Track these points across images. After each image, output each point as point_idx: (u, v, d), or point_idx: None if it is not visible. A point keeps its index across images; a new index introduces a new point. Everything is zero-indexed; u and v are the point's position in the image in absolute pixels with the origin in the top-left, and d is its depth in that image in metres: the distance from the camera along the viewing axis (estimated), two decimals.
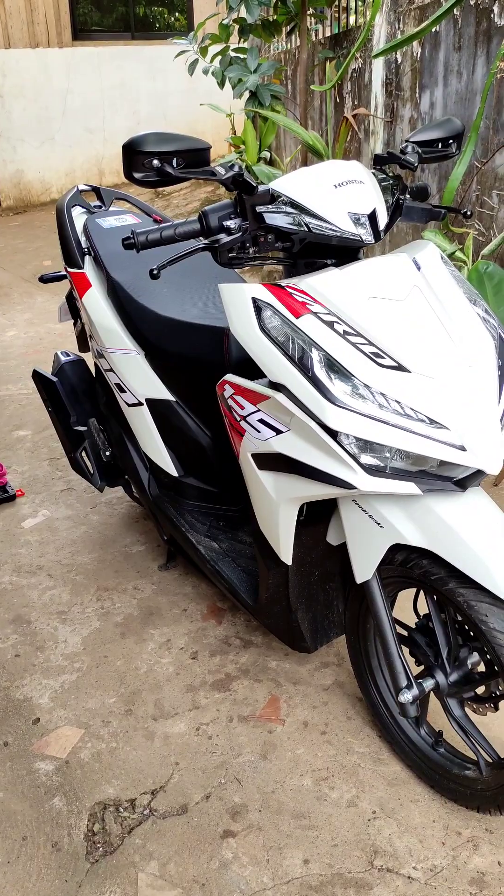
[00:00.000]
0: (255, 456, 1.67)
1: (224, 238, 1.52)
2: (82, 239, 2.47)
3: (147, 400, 2.24)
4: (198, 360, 2.06)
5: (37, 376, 2.64)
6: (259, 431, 1.62)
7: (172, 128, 10.22)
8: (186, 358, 2.09)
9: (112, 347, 2.26)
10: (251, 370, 1.84)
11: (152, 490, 2.33)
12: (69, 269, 2.47)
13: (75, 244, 2.45)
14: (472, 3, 3.59)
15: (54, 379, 2.58)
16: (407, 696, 1.63)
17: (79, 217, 2.58)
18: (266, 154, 6.95)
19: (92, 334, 2.42)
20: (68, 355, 2.67)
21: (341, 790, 1.82)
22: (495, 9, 3.44)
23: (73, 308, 2.79)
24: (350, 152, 5.22)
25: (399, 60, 4.41)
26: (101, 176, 10.10)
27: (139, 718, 2.05)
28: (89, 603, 2.49)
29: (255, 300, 1.53)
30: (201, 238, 1.57)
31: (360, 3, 5.13)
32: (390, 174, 1.73)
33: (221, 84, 5.32)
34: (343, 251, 1.64)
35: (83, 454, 2.59)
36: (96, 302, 2.32)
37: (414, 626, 1.81)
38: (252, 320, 1.53)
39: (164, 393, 2.21)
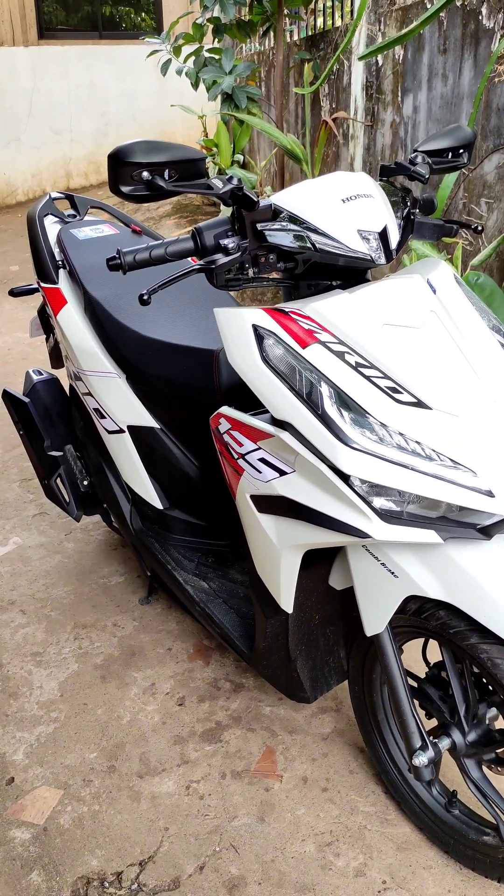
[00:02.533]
0: (254, 497, 1.51)
1: (221, 259, 1.35)
2: (56, 251, 2.30)
3: (129, 427, 2.07)
4: (184, 385, 1.90)
5: (7, 397, 2.45)
6: (260, 472, 1.46)
7: (143, 130, 10.02)
8: (172, 382, 1.93)
9: (90, 370, 2.09)
10: (244, 397, 1.69)
11: (135, 523, 2.16)
12: (42, 284, 2.29)
13: (48, 257, 2.27)
14: (458, 4, 3.47)
15: (26, 400, 2.40)
16: (422, 759, 1.48)
17: (52, 227, 2.40)
18: (239, 157, 6.80)
19: (68, 355, 2.25)
20: (41, 374, 2.49)
21: (347, 857, 1.67)
22: (483, 10, 3.32)
23: (46, 323, 2.61)
24: (328, 157, 5.09)
25: (380, 63, 4.28)
26: (68, 178, 9.87)
27: (123, 776, 1.88)
28: (66, 642, 2.32)
29: (255, 327, 1.38)
30: (195, 258, 1.41)
31: (337, 3, 4.99)
32: (399, 187, 1.58)
33: (196, 85, 5.15)
34: (349, 272, 1.49)
35: (58, 481, 2.41)
36: (72, 320, 2.15)
37: (424, 677, 1.66)
38: (253, 350, 1.37)
39: (147, 419, 2.04)
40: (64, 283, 2.22)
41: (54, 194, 2.51)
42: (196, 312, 2.04)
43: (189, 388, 1.89)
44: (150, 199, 1.32)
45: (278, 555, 1.52)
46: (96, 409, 2.13)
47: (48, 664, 2.23)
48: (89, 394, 2.14)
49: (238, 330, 1.39)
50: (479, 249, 3.50)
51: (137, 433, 2.06)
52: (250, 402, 1.61)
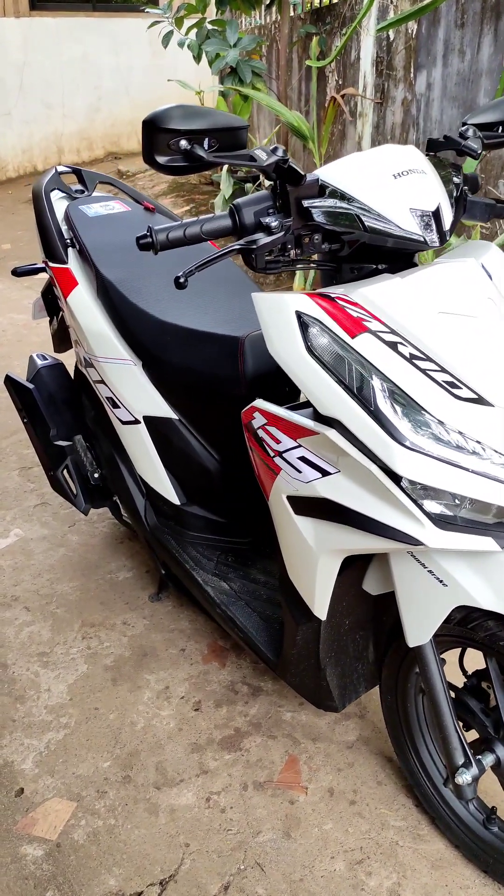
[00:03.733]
0: (291, 498, 1.40)
1: (263, 238, 1.23)
2: (64, 228, 2.16)
3: (145, 417, 1.94)
4: (206, 374, 1.78)
5: (10, 382, 2.32)
6: (300, 471, 1.35)
7: (137, 105, 9.79)
8: (193, 371, 1.81)
9: (104, 356, 1.96)
10: (273, 389, 1.58)
11: (149, 519, 2.04)
12: (50, 264, 2.15)
13: (57, 234, 2.13)
14: None
15: (30, 386, 2.27)
16: (466, 777, 1.39)
17: (58, 202, 2.26)
18: None
19: (79, 339, 2.12)
20: (45, 358, 2.36)
21: (380, 876, 1.58)
22: None
23: (49, 304, 2.47)
24: (334, 135, 4.94)
25: (391, 37, 4.13)
26: (60, 154, 9.64)
27: (139, 787, 1.78)
28: (74, 642, 2.21)
29: (299, 314, 1.26)
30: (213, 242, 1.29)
31: None
32: (448, 163, 1.46)
33: (198, 58, 4.98)
34: (396, 255, 1.38)
35: (65, 473, 2.29)
36: (84, 303, 2.02)
37: (462, 687, 1.57)
38: (297, 340, 1.25)
39: (165, 410, 1.92)
40: (74, 263, 2.09)
41: (61, 168, 2.37)
42: (219, 296, 1.91)
43: (211, 378, 1.77)
44: (187, 171, 1.20)
45: (315, 559, 1.42)
46: (109, 398, 2.01)
47: (56, 665, 2.12)
48: (102, 381, 2.01)
49: (280, 317, 1.28)
50: (495, 233, 3.39)
51: (154, 424, 1.94)
52: (279, 394, 1.50)
